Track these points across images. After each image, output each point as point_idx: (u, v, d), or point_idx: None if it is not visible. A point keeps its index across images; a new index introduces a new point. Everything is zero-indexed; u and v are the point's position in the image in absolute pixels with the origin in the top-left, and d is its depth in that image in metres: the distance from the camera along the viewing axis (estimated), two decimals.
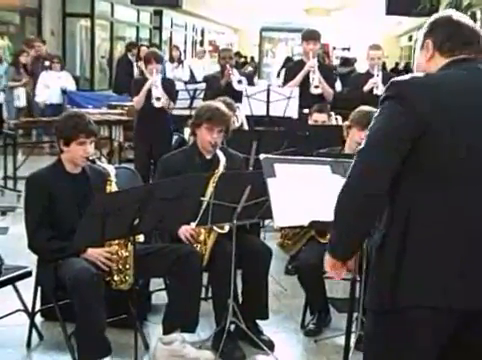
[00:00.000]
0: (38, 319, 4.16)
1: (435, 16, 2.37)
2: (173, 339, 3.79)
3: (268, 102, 6.27)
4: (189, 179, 3.71)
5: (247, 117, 6.23)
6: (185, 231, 4.03)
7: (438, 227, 2.11)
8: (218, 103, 4.43)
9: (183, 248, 3.94)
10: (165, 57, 12.99)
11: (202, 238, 4.04)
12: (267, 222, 5.42)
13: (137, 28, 19.35)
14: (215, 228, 3.97)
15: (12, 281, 3.94)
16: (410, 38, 25.20)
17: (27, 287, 3.99)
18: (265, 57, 21.90)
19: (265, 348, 3.96)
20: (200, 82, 10.23)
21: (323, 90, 6.57)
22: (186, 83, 10.10)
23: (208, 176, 3.81)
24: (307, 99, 6.35)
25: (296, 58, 11.28)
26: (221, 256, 3.92)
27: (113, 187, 3.81)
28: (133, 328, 3.62)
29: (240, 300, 4.12)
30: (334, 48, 19.74)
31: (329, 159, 3.33)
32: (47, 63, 10.98)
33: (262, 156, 3.41)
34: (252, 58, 23.22)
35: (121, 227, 3.44)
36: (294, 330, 4.34)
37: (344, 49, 20.26)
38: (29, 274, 3.98)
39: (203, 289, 4.20)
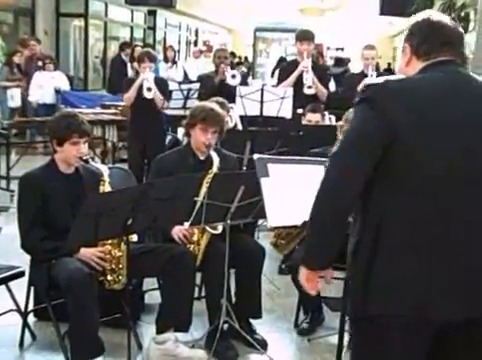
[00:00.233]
0: (31, 319, 4.16)
1: (414, 18, 2.32)
2: (166, 339, 3.79)
3: (262, 102, 6.27)
4: (183, 179, 3.72)
5: (241, 117, 6.24)
6: (178, 231, 4.03)
7: (410, 235, 2.06)
8: (212, 104, 4.43)
9: (176, 248, 3.94)
10: (159, 57, 13.00)
11: (195, 238, 4.04)
12: (260, 222, 5.42)
13: (131, 28, 19.31)
14: (208, 228, 3.97)
15: (5, 281, 3.92)
16: None
17: (20, 287, 3.98)
18: (259, 57, 21.90)
19: (258, 347, 3.96)
20: (194, 82, 10.23)
21: (317, 90, 6.58)
22: (180, 83, 10.09)
23: (202, 176, 3.81)
24: (301, 99, 6.36)
25: (290, 58, 11.28)
26: (214, 256, 3.92)
27: (106, 187, 3.81)
28: (126, 328, 3.62)
29: (233, 299, 4.13)
30: (328, 48, 19.76)
31: (323, 159, 3.34)
32: (40, 63, 10.96)
33: (256, 156, 3.42)
34: (246, 58, 23.21)
35: (114, 227, 3.44)
36: (287, 329, 4.35)
37: (338, 49, 20.29)
38: (22, 274, 3.97)
39: (196, 289, 4.21)
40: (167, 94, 7.13)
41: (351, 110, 4.44)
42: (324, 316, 4.38)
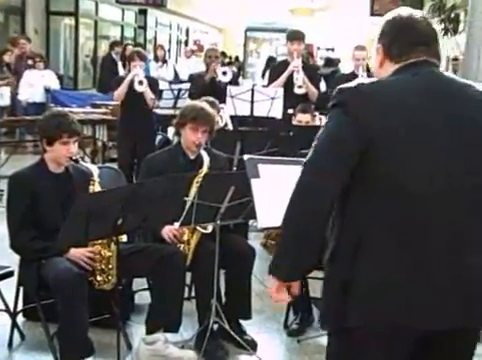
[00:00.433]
0: (20, 319, 4.13)
1: (385, 16, 2.22)
2: (156, 339, 3.78)
3: (252, 102, 6.27)
4: (173, 179, 3.71)
5: (231, 117, 6.24)
6: (168, 231, 4.03)
7: (390, 242, 1.98)
8: (203, 103, 4.43)
9: (166, 248, 3.94)
10: (149, 56, 12.99)
11: (185, 238, 4.04)
12: (251, 222, 5.42)
13: (122, 27, 19.29)
14: (198, 228, 3.97)
15: None
16: None
17: (9, 287, 3.96)
18: (249, 57, 21.89)
19: (248, 348, 3.96)
20: (185, 82, 10.22)
21: (307, 90, 6.59)
22: (170, 83, 10.09)
23: (192, 176, 3.81)
24: (291, 99, 6.36)
25: (280, 58, 11.29)
26: (204, 256, 3.91)
27: (96, 187, 3.80)
28: (116, 328, 3.62)
29: (223, 300, 4.13)
30: (318, 48, 19.78)
31: None
32: (30, 62, 10.92)
33: (246, 157, 3.42)
34: (237, 58, 23.20)
35: (104, 227, 3.43)
36: (277, 330, 4.35)
37: (328, 50, 20.32)
38: (11, 274, 3.96)
39: (186, 289, 4.20)
40: (157, 93, 7.13)
41: None
42: (314, 317, 4.39)
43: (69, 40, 16.31)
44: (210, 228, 3.99)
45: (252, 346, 4.02)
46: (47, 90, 10.96)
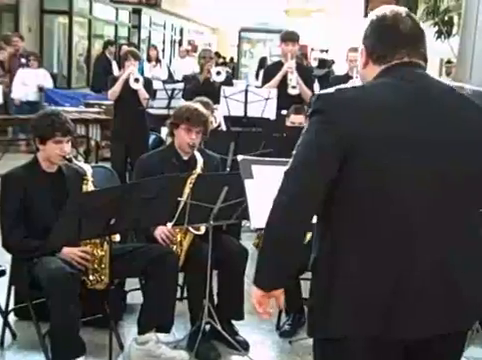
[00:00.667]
0: (11, 318, 4.13)
1: (369, 16, 2.13)
2: (148, 339, 3.78)
3: (246, 103, 6.28)
4: (166, 179, 3.71)
5: (225, 118, 6.25)
6: (161, 231, 4.02)
7: (372, 252, 1.93)
8: (197, 104, 4.44)
9: (159, 248, 3.93)
10: (143, 56, 12.98)
11: (178, 239, 4.04)
12: (244, 223, 5.42)
13: (116, 26, 19.25)
14: (191, 229, 3.97)
15: None
16: None
17: (1, 286, 3.96)
18: (243, 57, 21.91)
19: (240, 348, 3.97)
20: (178, 81, 10.21)
21: (301, 91, 6.60)
22: (164, 82, 10.08)
23: (185, 177, 3.81)
24: (285, 100, 6.37)
25: (274, 59, 11.30)
26: (197, 257, 3.92)
27: (89, 186, 3.79)
28: (108, 328, 3.61)
29: (215, 300, 4.12)
30: (312, 49, 19.81)
31: None
32: (24, 60, 10.88)
33: (240, 157, 3.42)
34: (232, 59, 23.21)
35: (97, 226, 3.43)
36: (269, 331, 4.35)
37: (322, 51, 20.37)
38: (3, 273, 3.95)
39: (178, 289, 4.20)
40: (151, 93, 7.14)
41: None
42: (306, 318, 4.39)
43: (63, 39, 16.27)
44: (203, 229, 3.99)
45: (244, 347, 4.03)
46: (40, 89, 10.92)
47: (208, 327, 3.95)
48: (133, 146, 6.76)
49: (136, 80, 6.71)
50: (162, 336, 3.84)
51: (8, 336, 4.00)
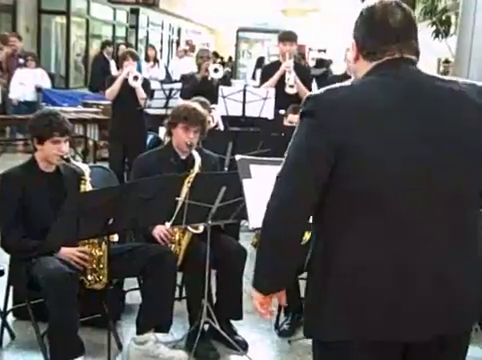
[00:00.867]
0: (10, 318, 4.13)
1: (360, 9, 2.07)
2: (147, 339, 3.78)
3: (244, 102, 6.28)
4: (164, 179, 3.71)
5: (223, 117, 6.25)
6: (160, 231, 4.02)
7: (366, 253, 1.91)
8: (194, 103, 4.43)
9: (157, 248, 3.93)
10: (141, 56, 12.98)
11: (176, 238, 4.03)
12: (242, 222, 5.42)
13: (113, 26, 19.24)
14: (189, 228, 3.97)
15: None
16: None
17: None
18: (241, 57, 21.94)
19: (239, 348, 3.97)
20: (176, 81, 10.20)
21: (299, 90, 6.60)
22: (162, 82, 10.08)
23: (183, 176, 3.81)
24: (283, 100, 6.37)
25: (272, 59, 11.31)
26: (195, 256, 3.91)
27: (87, 186, 3.79)
28: (106, 328, 3.61)
29: (214, 300, 4.12)
30: (310, 49, 19.79)
31: None
32: (22, 60, 10.88)
33: (238, 157, 3.41)
34: (230, 58, 23.22)
35: (95, 226, 3.43)
36: (268, 330, 4.35)
37: (320, 51, 20.35)
38: (1, 273, 3.95)
39: (177, 289, 4.20)
40: (149, 93, 7.15)
41: None
42: None
43: (60, 39, 16.26)
44: (201, 228, 3.99)
45: (243, 346, 4.03)
46: (38, 89, 10.92)
47: (207, 327, 3.95)
48: (131, 146, 6.76)
49: (135, 78, 6.74)
50: (161, 336, 3.84)
51: (6, 336, 4.00)
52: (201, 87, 6.85)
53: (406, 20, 2.00)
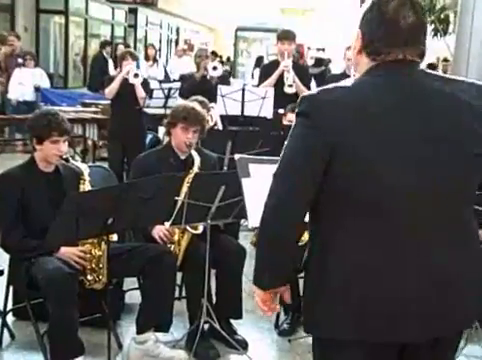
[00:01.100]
0: (10, 318, 4.12)
1: (365, 3, 2.02)
2: (146, 338, 3.78)
3: (243, 102, 6.28)
4: (163, 179, 3.70)
5: (221, 117, 6.25)
6: (159, 231, 4.02)
7: (362, 254, 1.91)
8: (193, 103, 4.44)
9: (157, 248, 3.93)
10: (140, 56, 12.97)
11: (176, 238, 4.03)
12: (241, 222, 5.43)
13: (112, 26, 19.23)
14: (189, 228, 3.97)
15: None
16: None
17: None
18: (240, 56, 21.97)
19: (239, 348, 3.97)
20: (175, 81, 10.20)
21: (297, 89, 6.60)
22: (161, 82, 10.08)
23: (182, 176, 3.81)
24: (282, 99, 6.37)
25: (270, 58, 11.32)
26: (195, 256, 3.92)
27: (87, 186, 3.79)
28: (106, 327, 3.61)
29: (214, 300, 4.12)
30: (309, 48, 19.81)
31: None
32: (20, 60, 10.87)
33: (237, 156, 3.41)
34: (228, 58, 23.23)
35: (95, 226, 3.42)
36: (268, 330, 4.35)
37: (319, 50, 20.36)
38: (1, 273, 3.94)
39: (177, 288, 4.20)
40: (148, 93, 7.16)
41: None
42: None
43: (59, 38, 16.25)
44: (201, 228, 3.99)
45: (243, 346, 4.03)
46: (37, 89, 10.92)
47: (207, 326, 3.95)
48: (130, 146, 6.76)
49: (135, 75, 6.76)
50: (161, 335, 3.84)
51: (6, 336, 4.00)
52: (200, 86, 6.86)
53: (417, 23, 1.95)
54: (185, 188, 3.73)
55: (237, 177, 3.36)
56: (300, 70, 6.87)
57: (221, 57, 21.56)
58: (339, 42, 12.58)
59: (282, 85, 6.57)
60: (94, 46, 17.06)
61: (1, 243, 3.74)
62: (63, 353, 3.51)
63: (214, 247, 3.84)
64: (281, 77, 6.62)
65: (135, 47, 19.24)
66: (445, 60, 12.39)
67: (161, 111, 7.55)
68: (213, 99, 6.17)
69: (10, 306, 4.03)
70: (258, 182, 3.29)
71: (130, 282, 4.44)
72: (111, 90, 6.82)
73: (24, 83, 10.75)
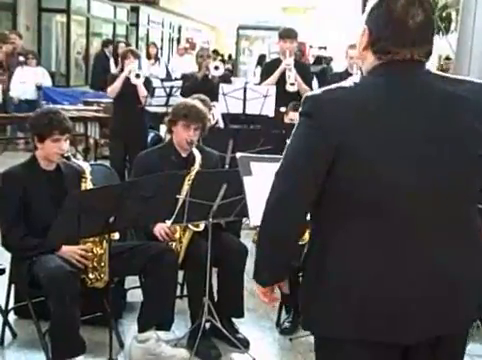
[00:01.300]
0: (11, 317, 4.12)
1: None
2: (148, 337, 3.78)
3: (244, 100, 6.28)
4: (165, 177, 3.70)
5: (223, 115, 6.25)
6: (160, 229, 4.02)
7: (361, 254, 1.91)
8: (195, 101, 4.44)
9: (158, 246, 3.93)
10: (142, 54, 12.97)
11: (177, 236, 4.03)
12: (243, 220, 5.42)
13: (114, 24, 19.23)
14: (190, 226, 3.96)
15: None
16: None
17: (0, 285, 3.95)
18: (242, 55, 21.95)
19: (240, 346, 3.96)
20: (177, 79, 10.20)
21: (299, 88, 6.59)
22: (162, 80, 10.08)
23: (184, 174, 3.80)
24: (283, 97, 6.37)
25: (272, 56, 11.31)
26: (196, 254, 3.91)
27: (88, 184, 3.79)
28: (108, 326, 3.61)
29: (215, 298, 4.12)
30: (310, 47, 19.78)
31: None
32: (22, 58, 10.87)
33: (238, 154, 3.41)
34: (230, 56, 23.21)
35: (96, 224, 3.42)
36: (269, 328, 4.35)
37: (321, 48, 20.33)
38: (2, 272, 3.94)
39: (178, 287, 4.20)
40: (150, 91, 7.15)
41: None
42: None
43: (61, 37, 16.25)
44: (202, 226, 3.98)
45: (244, 344, 4.02)
46: (39, 87, 10.91)
47: (208, 325, 3.95)
48: (132, 144, 6.76)
49: (137, 75, 6.77)
50: (162, 334, 3.84)
51: (8, 335, 4.00)
52: (202, 85, 6.87)
53: (426, 22, 1.92)
54: (186, 186, 3.72)
55: (239, 175, 3.36)
56: (302, 68, 6.86)
57: (222, 56, 21.56)
58: (341, 40, 12.57)
59: (284, 83, 6.56)
60: (96, 45, 17.05)
61: (2, 242, 3.74)
62: (64, 351, 3.51)
63: (216, 245, 3.84)
64: (283, 75, 6.61)
65: (137, 45, 19.24)
66: (447, 58, 12.37)
67: (163, 109, 7.54)
68: (215, 98, 6.17)
69: (12, 304, 4.03)
70: (260, 180, 3.28)
71: (132, 280, 4.44)
72: (113, 89, 6.84)
73: (26, 82, 10.74)
